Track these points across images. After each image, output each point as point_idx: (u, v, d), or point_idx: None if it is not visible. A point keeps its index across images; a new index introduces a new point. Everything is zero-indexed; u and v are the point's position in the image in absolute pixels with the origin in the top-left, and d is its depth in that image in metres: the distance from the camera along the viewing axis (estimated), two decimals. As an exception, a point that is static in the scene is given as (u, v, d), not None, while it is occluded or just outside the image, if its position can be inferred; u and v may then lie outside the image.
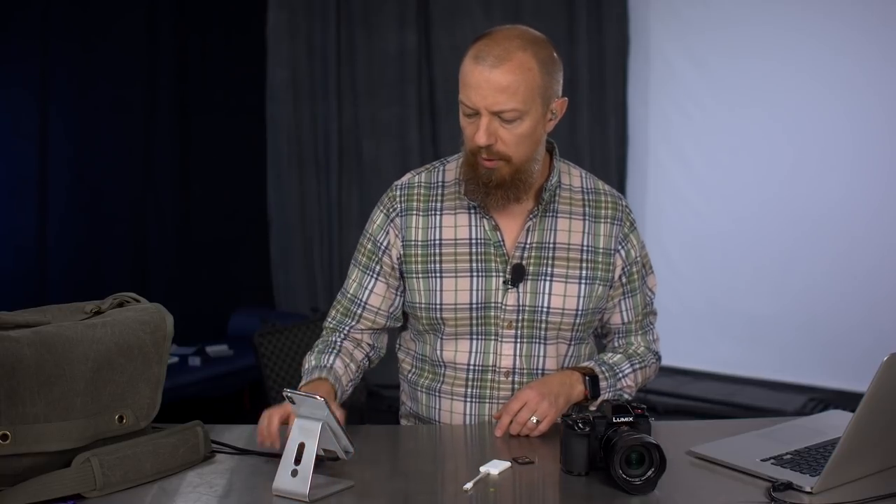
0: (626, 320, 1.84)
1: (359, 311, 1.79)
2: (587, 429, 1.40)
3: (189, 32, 5.57)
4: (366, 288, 1.79)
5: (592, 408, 1.56)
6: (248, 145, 5.67)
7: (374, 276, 1.78)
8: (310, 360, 1.74)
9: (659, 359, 1.89)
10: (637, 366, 1.80)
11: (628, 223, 1.81)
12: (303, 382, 1.68)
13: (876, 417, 1.32)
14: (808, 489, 1.32)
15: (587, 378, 1.71)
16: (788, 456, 1.45)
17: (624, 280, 1.80)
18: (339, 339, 1.79)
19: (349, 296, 1.81)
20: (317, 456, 1.32)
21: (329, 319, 1.83)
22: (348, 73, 5.49)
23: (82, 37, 5.05)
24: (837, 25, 4.30)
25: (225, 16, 5.60)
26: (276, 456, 1.37)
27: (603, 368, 1.74)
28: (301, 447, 1.33)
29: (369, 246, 1.79)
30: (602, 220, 1.78)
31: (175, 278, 5.43)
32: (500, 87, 1.57)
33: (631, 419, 1.41)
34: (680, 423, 1.95)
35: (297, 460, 1.33)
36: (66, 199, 5.09)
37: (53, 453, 1.31)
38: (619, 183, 4.91)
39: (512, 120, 1.59)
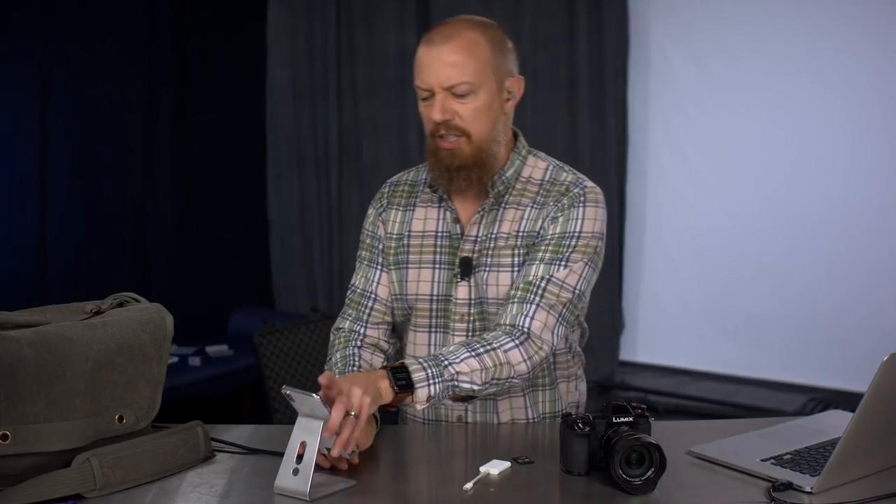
0: (512, 286, 1.67)
1: (370, 304, 1.81)
2: (587, 429, 1.40)
3: (189, 32, 5.57)
4: (373, 280, 1.81)
5: (419, 406, 1.48)
6: (248, 145, 5.67)
7: (378, 267, 1.81)
8: (335, 358, 1.76)
9: (528, 337, 1.60)
10: (480, 350, 1.56)
11: (568, 202, 1.69)
12: (346, 369, 1.70)
13: (876, 417, 1.32)
14: (808, 489, 1.32)
15: (390, 371, 1.49)
16: (788, 456, 1.45)
17: (530, 250, 1.68)
18: (355, 351, 1.76)
19: (359, 291, 1.83)
20: (318, 454, 1.33)
21: (344, 319, 1.82)
22: (348, 73, 5.49)
23: (82, 37, 5.05)
24: (837, 25, 4.30)
25: (225, 16, 5.60)
26: (278, 454, 1.37)
27: (421, 360, 1.52)
28: (303, 446, 1.33)
29: (368, 240, 1.84)
30: (546, 206, 1.71)
31: (175, 278, 5.43)
32: (449, 62, 1.62)
33: (631, 419, 1.41)
34: (680, 423, 1.96)
35: (299, 459, 1.33)
36: (66, 199, 5.09)
37: (53, 453, 1.31)
38: (619, 183, 4.92)
39: (464, 94, 1.63)
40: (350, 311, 1.83)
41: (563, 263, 1.65)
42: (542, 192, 1.73)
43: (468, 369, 1.53)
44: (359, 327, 1.81)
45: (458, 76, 1.62)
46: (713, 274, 4.72)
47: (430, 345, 1.76)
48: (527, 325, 1.61)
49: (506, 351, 1.58)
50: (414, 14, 5.34)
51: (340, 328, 1.83)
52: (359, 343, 1.79)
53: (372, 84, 5.47)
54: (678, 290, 4.76)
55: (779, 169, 4.51)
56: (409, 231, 1.78)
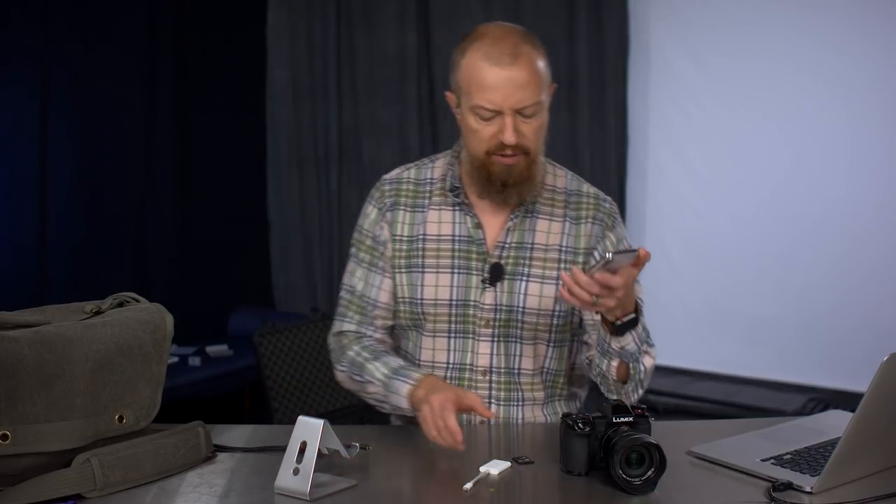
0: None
1: (374, 311, 1.79)
2: (587, 429, 1.40)
3: (189, 32, 5.57)
4: (374, 286, 1.78)
5: (615, 342, 1.57)
6: (248, 145, 5.66)
7: (381, 272, 1.78)
8: (387, 364, 1.69)
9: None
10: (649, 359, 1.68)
11: (609, 221, 1.78)
12: (413, 382, 1.63)
13: (876, 417, 1.32)
14: (808, 489, 1.32)
15: (633, 313, 1.58)
16: (788, 456, 1.45)
17: (572, 262, 1.74)
18: (376, 344, 1.78)
19: (359, 294, 1.79)
20: (319, 454, 1.32)
21: (346, 322, 1.80)
22: (348, 73, 5.49)
23: (82, 37, 5.05)
24: (837, 25, 4.29)
25: (225, 16, 5.60)
26: (279, 449, 1.37)
27: (643, 325, 1.64)
28: (303, 446, 1.33)
29: (369, 242, 1.79)
30: (583, 221, 1.76)
31: (175, 278, 5.43)
32: (520, 84, 1.60)
33: (631, 419, 1.41)
34: (680, 423, 1.96)
35: (300, 459, 1.33)
36: (66, 199, 5.08)
37: (53, 453, 1.31)
38: (619, 183, 4.91)
39: (532, 115, 1.62)
40: (352, 314, 1.80)
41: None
42: (570, 203, 1.77)
43: (654, 358, 1.67)
44: (365, 330, 1.79)
45: (528, 97, 1.61)
46: (713, 274, 4.71)
47: (450, 350, 1.74)
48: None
49: (648, 375, 1.72)
50: (414, 14, 5.34)
51: (345, 331, 1.80)
52: (370, 343, 1.78)
53: (372, 84, 5.47)
54: (678, 291, 4.75)
55: (779, 169, 4.50)
56: (424, 234, 1.75)
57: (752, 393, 4.49)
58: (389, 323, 1.81)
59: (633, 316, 1.57)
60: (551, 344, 1.76)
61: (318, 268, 5.63)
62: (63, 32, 4.98)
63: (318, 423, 1.33)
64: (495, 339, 1.73)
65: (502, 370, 1.74)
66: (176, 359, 4.76)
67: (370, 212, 1.80)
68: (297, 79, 5.55)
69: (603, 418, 1.41)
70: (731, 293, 4.66)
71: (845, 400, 3.78)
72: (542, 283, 1.72)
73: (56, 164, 5.02)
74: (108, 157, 5.24)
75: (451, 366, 1.75)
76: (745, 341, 4.62)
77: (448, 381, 1.73)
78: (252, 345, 3.90)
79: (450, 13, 5.25)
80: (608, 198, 1.81)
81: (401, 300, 1.76)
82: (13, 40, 4.84)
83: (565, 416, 1.43)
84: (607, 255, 1.43)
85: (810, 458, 1.44)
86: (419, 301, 1.74)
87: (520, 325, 1.72)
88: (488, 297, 1.72)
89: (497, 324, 1.72)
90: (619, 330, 1.57)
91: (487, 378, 1.74)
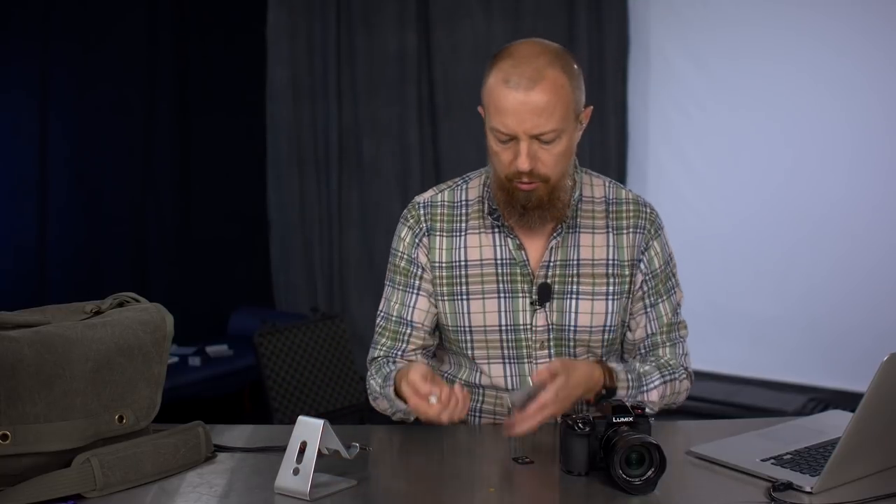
0: (651, 331, 1.75)
1: (407, 332, 1.72)
2: (587, 429, 1.40)
3: (189, 33, 5.57)
4: (409, 306, 1.72)
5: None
6: (248, 145, 5.67)
7: (415, 291, 1.72)
8: (377, 382, 1.68)
9: (689, 376, 1.78)
10: (667, 377, 1.72)
11: (652, 230, 1.74)
12: (388, 383, 1.62)
13: (876, 417, 1.32)
14: (808, 489, 1.32)
15: (604, 389, 1.62)
16: (788, 456, 1.45)
17: (646, 288, 1.73)
18: (392, 365, 1.71)
19: (394, 318, 1.73)
20: (319, 454, 1.33)
21: (378, 349, 1.74)
22: (348, 73, 5.49)
23: (82, 37, 5.05)
24: (837, 26, 4.30)
25: (225, 16, 5.60)
26: (279, 449, 1.37)
27: (630, 377, 1.66)
28: (303, 446, 1.33)
29: (403, 264, 1.73)
30: (625, 231, 1.72)
31: (175, 278, 5.43)
32: (538, 109, 1.53)
33: (631, 419, 1.41)
34: (680, 423, 1.94)
35: (300, 459, 1.33)
36: (66, 199, 5.09)
37: (53, 453, 1.31)
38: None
39: (550, 141, 1.56)
40: (384, 340, 1.74)
41: (674, 291, 1.78)
42: (611, 213, 1.73)
43: (656, 398, 1.69)
44: (396, 354, 1.73)
45: (545, 124, 1.54)
46: (713, 274, 4.71)
47: (507, 376, 1.71)
48: (688, 364, 1.79)
49: (681, 381, 1.76)
50: (414, 14, 5.34)
51: (376, 358, 1.75)
52: (394, 361, 1.73)
53: (372, 84, 5.47)
54: (678, 291, 4.76)
55: (779, 169, 4.50)
56: (465, 260, 1.70)
57: (753, 393, 4.49)
58: (428, 343, 1.74)
59: (602, 394, 1.62)
60: (604, 357, 1.74)
61: (318, 268, 5.63)
62: (63, 32, 4.99)
63: (318, 423, 1.33)
64: (552, 359, 1.69)
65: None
66: (176, 359, 4.76)
67: (405, 235, 1.74)
68: (297, 78, 5.55)
69: (603, 418, 1.41)
70: (731, 293, 4.66)
71: (845, 400, 3.78)
72: (592, 299, 1.69)
73: (56, 164, 5.02)
74: (108, 157, 5.25)
75: (510, 391, 1.72)
76: (745, 341, 4.62)
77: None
78: (252, 345, 3.90)
79: (450, 13, 5.25)
80: (648, 203, 1.77)
81: (447, 328, 1.72)
82: (13, 40, 4.84)
83: (565, 416, 1.43)
84: (510, 403, 1.48)
85: (810, 458, 1.44)
86: (467, 329, 1.70)
87: (571, 342, 1.70)
88: (540, 319, 1.68)
89: (551, 344, 1.69)
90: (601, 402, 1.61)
91: None
